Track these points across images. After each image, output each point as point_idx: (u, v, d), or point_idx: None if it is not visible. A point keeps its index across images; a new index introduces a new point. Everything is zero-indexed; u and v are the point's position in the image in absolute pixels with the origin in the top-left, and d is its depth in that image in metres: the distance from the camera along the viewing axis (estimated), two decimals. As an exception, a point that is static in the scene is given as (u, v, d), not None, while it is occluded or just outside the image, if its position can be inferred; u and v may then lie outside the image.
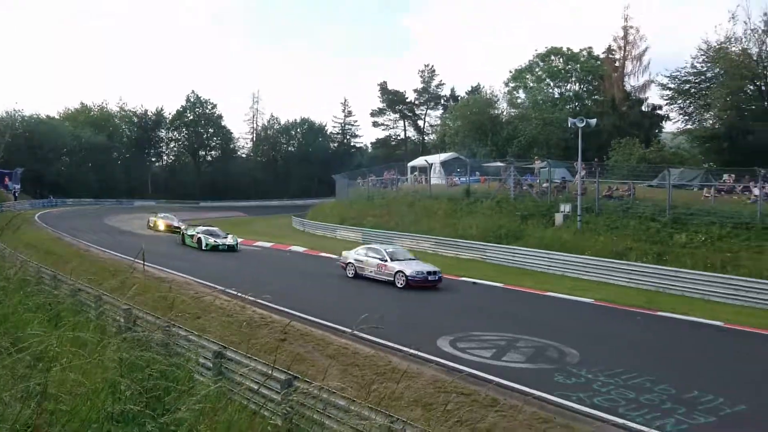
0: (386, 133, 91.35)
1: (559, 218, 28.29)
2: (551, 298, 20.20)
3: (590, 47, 59.93)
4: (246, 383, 7.45)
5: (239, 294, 12.86)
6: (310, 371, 9.54)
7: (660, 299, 19.77)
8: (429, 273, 20.13)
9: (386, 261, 20.82)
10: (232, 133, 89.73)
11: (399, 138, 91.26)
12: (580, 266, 24.00)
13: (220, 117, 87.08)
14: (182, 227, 34.00)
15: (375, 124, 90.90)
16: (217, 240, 29.26)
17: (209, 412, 6.05)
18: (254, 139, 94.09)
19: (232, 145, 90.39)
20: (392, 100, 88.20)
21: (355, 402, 6.52)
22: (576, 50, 60.00)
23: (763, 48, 37.60)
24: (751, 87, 38.32)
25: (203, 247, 28.89)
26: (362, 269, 21.51)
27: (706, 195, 27.63)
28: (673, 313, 17.65)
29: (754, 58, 37.62)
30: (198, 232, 30.06)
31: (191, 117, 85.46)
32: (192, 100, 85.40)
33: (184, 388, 6.46)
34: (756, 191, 24.76)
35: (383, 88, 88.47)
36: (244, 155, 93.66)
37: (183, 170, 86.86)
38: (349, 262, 22.05)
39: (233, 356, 8.38)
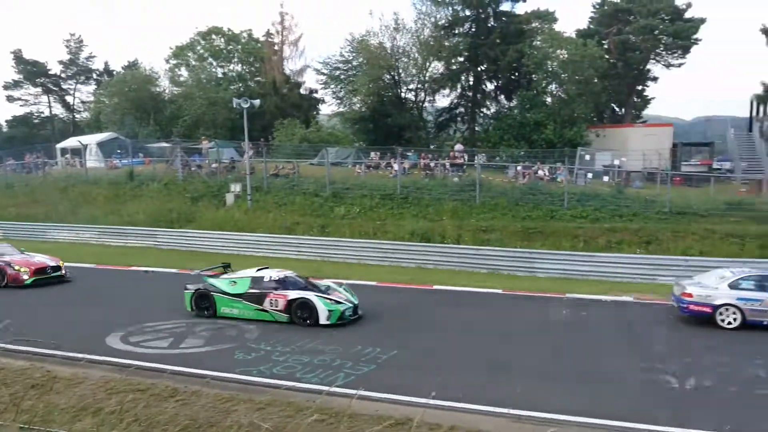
0: (26, 109, 78.32)
1: (230, 198, 28.47)
2: (227, 277, 20.32)
3: (250, 29, 61.12)
4: None
5: None
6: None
7: (325, 267, 21.61)
8: None
9: None
10: None
11: (43, 116, 79.21)
12: (253, 244, 24.63)
13: None
14: (191, 285, 15.20)
15: (10, 99, 76.91)
16: (340, 299, 14.41)
17: None
18: None
19: None
20: (31, 71, 75.91)
21: None
22: (237, 31, 60.52)
23: (395, 43, 43.64)
24: (388, 76, 44.16)
25: (323, 320, 13.70)
26: (765, 313, 13.38)
27: (358, 171, 31.10)
28: (340, 280, 19.52)
29: (389, 51, 43.39)
30: (285, 287, 14.26)
31: None
32: None
33: None
34: (396, 166, 28.92)
35: (18, 56, 75.45)
36: None
37: None
38: (725, 305, 13.51)
39: None
